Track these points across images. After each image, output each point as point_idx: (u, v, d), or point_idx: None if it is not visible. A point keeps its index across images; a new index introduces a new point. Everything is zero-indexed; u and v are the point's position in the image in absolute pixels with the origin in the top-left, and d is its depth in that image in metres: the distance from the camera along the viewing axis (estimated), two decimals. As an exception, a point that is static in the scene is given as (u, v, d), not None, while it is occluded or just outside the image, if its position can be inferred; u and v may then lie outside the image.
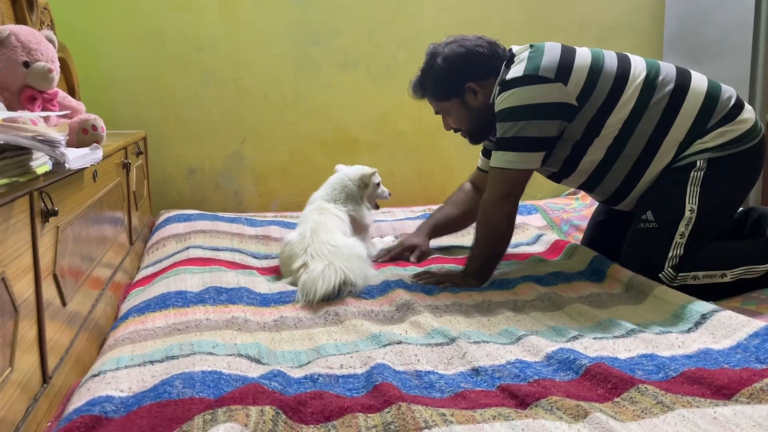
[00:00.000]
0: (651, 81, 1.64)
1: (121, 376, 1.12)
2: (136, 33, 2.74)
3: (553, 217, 2.41)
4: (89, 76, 2.59)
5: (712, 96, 1.64)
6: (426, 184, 3.00)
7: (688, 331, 1.31)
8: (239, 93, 2.82)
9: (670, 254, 1.59)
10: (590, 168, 1.71)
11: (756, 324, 1.25)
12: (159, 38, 2.75)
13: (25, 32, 1.44)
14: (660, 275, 1.58)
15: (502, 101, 1.63)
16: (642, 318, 1.40)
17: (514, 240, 2.15)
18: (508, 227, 1.72)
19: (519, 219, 2.32)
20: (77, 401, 1.04)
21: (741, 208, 1.83)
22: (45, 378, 1.07)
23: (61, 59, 1.91)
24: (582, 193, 2.71)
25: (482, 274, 1.71)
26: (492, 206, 1.68)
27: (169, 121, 2.79)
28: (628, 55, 1.72)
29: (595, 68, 1.63)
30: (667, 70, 1.67)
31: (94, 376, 1.13)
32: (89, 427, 0.95)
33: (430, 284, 1.67)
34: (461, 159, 3.00)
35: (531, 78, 1.60)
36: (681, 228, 1.59)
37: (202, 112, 2.81)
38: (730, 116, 1.63)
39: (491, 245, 1.71)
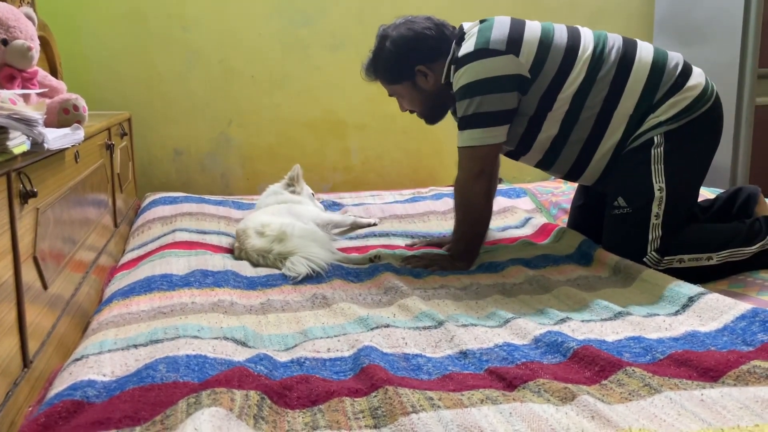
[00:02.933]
0: (598, 55, 1.63)
1: (104, 360, 1.11)
2: (119, 11, 2.68)
3: (541, 201, 2.40)
4: (71, 56, 2.54)
5: (659, 65, 1.63)
6: (415, 167, 2.98)
7: (675, 313, 1.31)
8: (225, 73, 2.78)
9: (649, 237, 1.59)
10: (545, 144, 1.71)
11: (743, 306, 1.25)
12: (142, 17, 2.70)
13: (3, 9, 1.39)
14: (644, 260, 1.58)
15: (458, 79, 1.63)
16: (629, 301, 1.40)
17: (502, 223, 2.15)
18: (486, 205, 1.71)
19: (508, 202, 2.32)
20: (59, 386, 1.02)
21: (730, 188, 1.83)
22: (26, 362, 1.05)
23: (42, 38, 1.86)
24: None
25: (468, 255, 1.71)
26: (466, 186, 1.68)
27: (154, 102, 2.75)
28: (579, 28, 1.71)
29: (545, 41, 1.63)
30: (614, 41, 1.67)
31: (77, 360, 1.11)
32: (71, 411, 0.93)
33: (419, 267, 1.66)
34: (451, 142, 2.97)
35: (482, 52, 1.59)
36: (654, 209, 1.59)
37: (188, 92, 2.77)
38: (678, 85, 1.62)
39: (472, 225, 1.71)
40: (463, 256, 1.70)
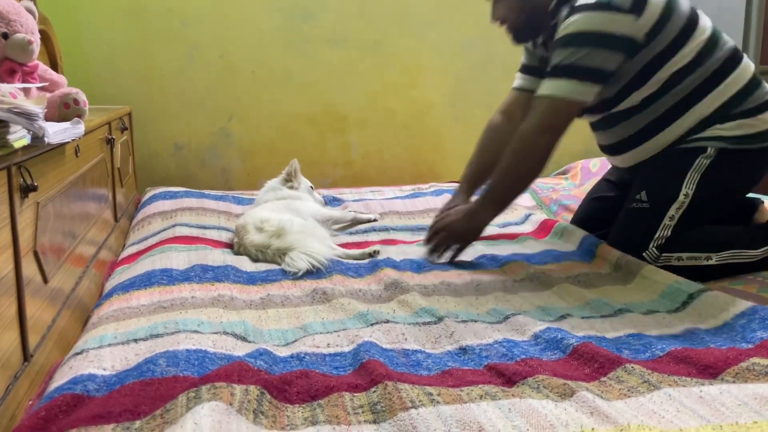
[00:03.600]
0: (714, 41, 1.57)
1: (104, 354, 1.11)
2: (119, 6, 2.67)
3: (542, 197, 2.40)
4: (72, 51, 2.53)
5: (754, 82, 1.59)
6: (415, 162, 2.98)
7: (676, 311, 1.31)
8: (226, 69, 2.78)
9: (656, 235, 1.59)
10: (620, 110, 1.65)
11: (743, 304, 1.25)
12: (143, 11, 2.69)
13: (3, 2, 1.39)
14: (644, 254, 1.58)
15: (568, 25, 1.51)
16: (630, 298, 1.40)
17: (502, 219, 2.14)
18: (543, 162, 1.57)
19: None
20: (59, 379, 1.02)
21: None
22: (26, 356, 1.05)
23: (42, 32, 1.86)
24: (572, 172, 2.70)
25: (496, 206, 1.63)
26: (533, 134, 1.55)
27: (155, 97, 2.74)
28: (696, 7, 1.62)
29: (670, 6, 1.53)
30: (728, 38, 1.60)
31: (77, 354, 1.11)
32: (71, 405, 0.93)
33: (440, 247, 1.66)
34: (451, 138, 2.99)
35: (604, 5, 1.48)
36: (671, 211, 1.58)
37: (188, 87, 2.76)
38: (756, 110, 1.57)
39: (520, 177, 1.60)
40: (490, 207, 1.62)
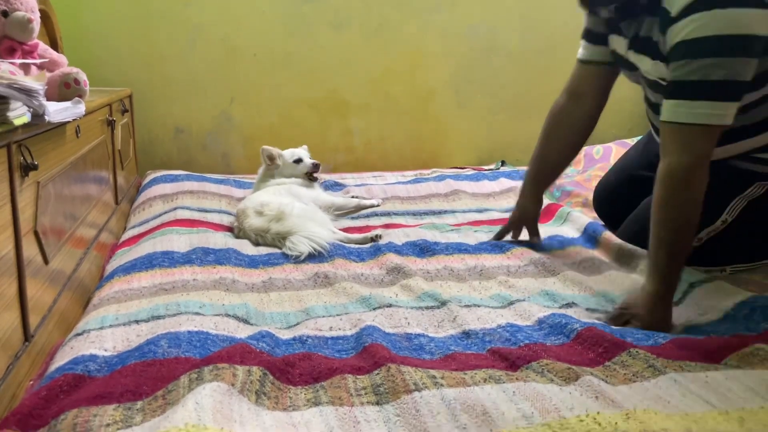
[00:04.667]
0: None
1: (105, 335, 1.10)
2: (120, -14, 2.64)
3: (545, 184, 2.38)
4: (72, 32, 2.50)
5: None
6: (417, 148, 2.96)
7: (677, 302, 1.29)
8: (227, 51, 2.75)
9: None
10: None
11: (743, 294, 1.24)
12: (144, -8, 2.66)
13: (2, -21, 1.37)
14: None
15: (701, 26, 1.16)
16: (633, 286, 1.38)
17: (506, 204, 2.13)
18: (701, 200, 1.21)
19: (510, 183, 2.31)
20: (60, 360, 1.02)
21: None
22: (27, 336, 1.04)
23: (42, 11, 1.84)
24: (575, 159, 2.68)
25: (672, 276, 1.24)
26: (690, 175, 1.20)
27: (155, 80, 2.72)
28: None
29: None
30: None
31: (78, 335, 1.11)
32: (72, 385, 0.93)
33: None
34: (454, 124, 2.96)
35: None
36: (702, 234, 1.43)
37: (189, 70, 2.73)
38: None
39: (684, 234, 1.23)
40: (665, 282, 1.22)
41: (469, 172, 2.57)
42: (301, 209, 1.78)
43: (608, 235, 1.62)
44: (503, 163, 2.78)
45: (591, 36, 1.51)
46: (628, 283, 1.40)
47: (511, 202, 2.15)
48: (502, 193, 2.23)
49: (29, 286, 1.06)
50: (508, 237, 1.71)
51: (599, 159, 2.50)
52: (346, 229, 1.85)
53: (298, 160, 2.08)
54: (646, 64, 1.33)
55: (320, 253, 1.59)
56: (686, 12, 1.17)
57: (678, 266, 1.23)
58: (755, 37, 1.16)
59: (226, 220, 1.91)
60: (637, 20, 1.33)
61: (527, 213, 1.67)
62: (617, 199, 1.71)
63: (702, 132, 1.20)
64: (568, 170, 2.52)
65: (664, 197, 1.23)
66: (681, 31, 1.18)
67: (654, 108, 1.41)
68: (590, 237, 1.68)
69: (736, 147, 1.39)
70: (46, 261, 1.17)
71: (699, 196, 1.20)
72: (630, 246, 1.54)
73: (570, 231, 1.76)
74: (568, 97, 1.57)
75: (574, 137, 1.59)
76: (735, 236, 1.45)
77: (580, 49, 1.55)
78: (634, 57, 1.38)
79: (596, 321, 1.19)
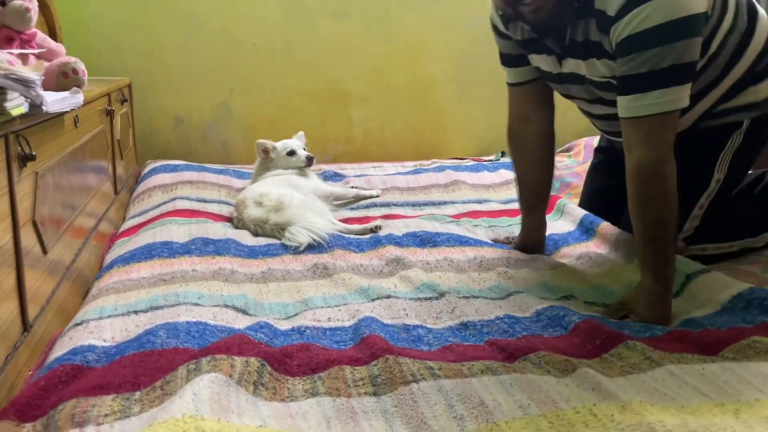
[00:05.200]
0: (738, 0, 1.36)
1: (104, 326, 1.10)
2: (119, -25, 2.63)
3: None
4: (70, 21, 2.49)
5: None
6: (418, 139, 2.95)
7: (675, 295, 1.29)
8: (227, 41, 2.74)
9: (685, 227, 1.47)
10: None
11: (740, 286, 1.23)
12: (143, -19, 2.64)
13: (-1, -32, 1.36)
14: None
15: (643, 19, 1.16)
16: (630, 278, 1.37)
17: (505, 195, 2.13)
18: (674, 190, 1.21)
19: (510, 175, 2.30)
20: (59, 350, 1.02)
21: (757, 170, 1.66)
22: (26, 326, 1.05)
23: (40, 0, 1.83)
24: (575, 150, 2.68)
25: (663, 265, 1.22)
26: (658, 168, 1.20)
27: (155, 69, 2.71)
28: None
29: None
30: None
31: (77, 325, 1.11)
32: (70, 375, 0.93)
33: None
34: (454, 115, 2.96)
35: None
36: (702, 200, 1.45)
37: (189, 60, 2.73)
38: None
39: (665, 227, 1.21)
40: (659, 274, 1.21)
41: (469, 163, 2.57)
42: (300, 200, 1.77)
43: (606, 225, 1.62)
44: (503, 155, 2.77)
45: (509, 59, 1.51)
46: (626, 274, 1.40)
47: (511, 193, 2.15)
48: (501, 185, 2.23)
49: (28, 276, 1.06)
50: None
51: (599, 150, 2.49)
52: (345, 220, 1.85)
53: (291, 153, 2.06)
54: (593, 67, 1.32)
55: (319, 244, 1.59)
56: (626, 9, 1.18)
57: (666, 260, 1.22)
58: (696, 15, 1.17)
59: (226, 210, 1.91)
60: (566, 28, 1.32)
61: (532, 241, 1.60)
62: (602, 213, 1.69)
63: (661, 121, 1.20)
64: (568, 161, 2.52)
65: (638, 194, 1.23)
66: (626, 28, 1.18)
67: (599, 117, 1.48)
68: (587, 228, 1.68)
69: (695, 111, 1.40)
70: (44, 251, 1.17)
71: (671, 187, 1.20)
72: (627, 235, 1.53)
73: (566, 225, 1.76)
74: (515, 121, 1.56)
75: (537, 156, 1.56)
76: (738, 206, 1.47)
77: (507, 75, 1.54)
78: (573, 65, 1.35)
79: (594, 314, 1.19)
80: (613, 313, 1.23)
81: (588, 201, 1.81)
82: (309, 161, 2.06)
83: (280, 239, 1.64)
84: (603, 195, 1.74)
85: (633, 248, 1.48)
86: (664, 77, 1.18)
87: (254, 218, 1.72)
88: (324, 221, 1.72)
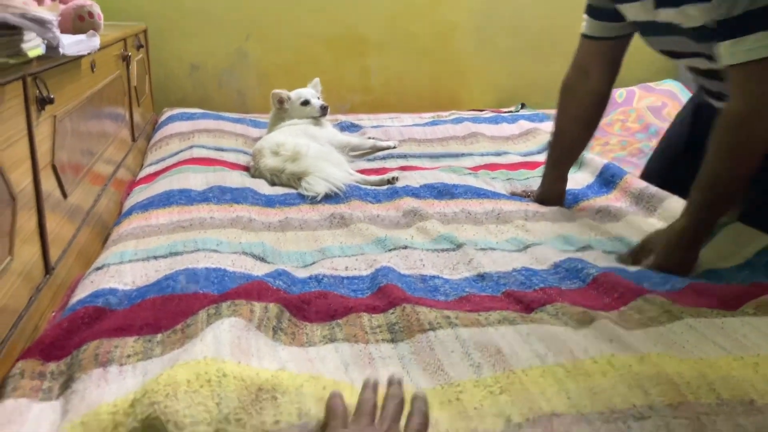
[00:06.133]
0: None
1: (124, 270, 1.12)
2: None
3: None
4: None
5: None
6: (436, 89, 2.90)
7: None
8: (243, -15, 2.68)
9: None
10: None
11: (765, 239, 1.21)
12: None
13: None
14: None
15: None
16: (651, 230, 1.36)
17: (524, 148, 2.10)
18: (763, 151, 1.12)
19: (529, 125, 2.26)
20: (81, 293, 1.04)
21: None
22: (48, 269, 1.06)
23: (52, -60, 1.78)
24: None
25: (707, 225, 1.18)
26: (754, 118, 1.10)
27: (170, 14, 2.66)
28: None
29: None
30: None
31: (98, 269, 1.12)
32: (93, 317, 0.95)
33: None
34: (474, 64, 2.89)
35: None
36: None
37: (205, 5, 2.67)
38: None
39: (735, 182, 1.14)
40: (700, 225, 1.17)
41: (488, 114, 2.52)
42: (316, 150, 1.76)
43: (629, 178, 1.58)
44: (523, 106, 2.72)
45: (595, 12, 1.42)
46: (645, 227, 1.39)
47: (530, 144, 2.11)
48: (521, 136, 2.20)
49: (49, 219, 1.07)
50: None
51: (622, 103, 2.43)
52: (362, 171, 1.83)
53: (305, 102, 2.03)
54: (688, 13, 1.18)
55: (336, 194, 1.58)
56: None
57: (717, 211, 1.17)
58: None
59: (243, 159, 1.90)
60: None
61: (551, 194, 1.56)
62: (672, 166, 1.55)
63: (761, 68, 1.08)
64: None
65: (721, 142, 1.13)
66: None
67: (704, 73, 1.30)
68: (607, 181, 1.65)
69: None
70: (64, 195, 1.18)
71: (760, 144, 1.11)
72: (653, 188, 1.51)
73: (585, 177, 1.73)
74: (576, 73, 1.49)
75: (585, 114, 1.49)
76: None
77: (584, 24, 1.45)
78: (665, 14, 1.23)
79: (613, 266, 1.18)
80: (626, 258, 1.22)
81: (663, 151, 1.66)
82: (323, 111, 2.03)
83: (296, 189, 1.64)
84: (679, 150, 1.57)
85: (656, 202, 1.47)
86: (763, 19, 1.06)
87: (271, 167, 1.71)
88: (341, 172, 1.71)
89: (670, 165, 1.59)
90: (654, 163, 1.68)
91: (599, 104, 1.49)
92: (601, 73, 1.45)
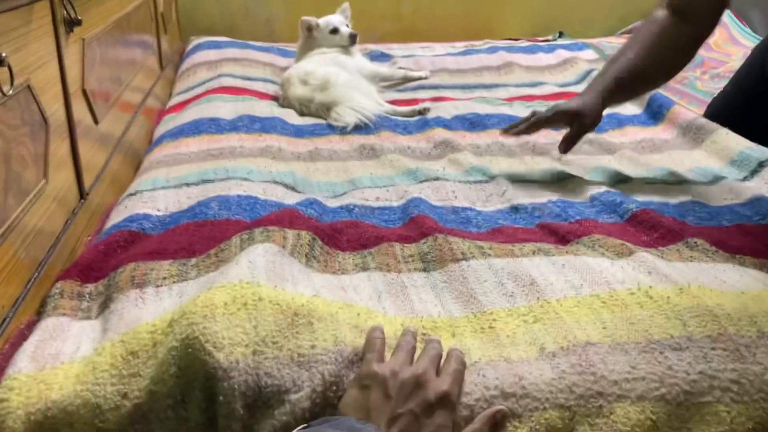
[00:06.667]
0: None
1: (157, 197, 1.12)
2: None
3: (608, 54, 2.22)
4: None
5: None
6: (470, 16, 2.79)
7: (743, 179, 1.23)
8: None
9: None
10: None
11: None
12: None
13: None
14: None
15: None
16: (696, 162, 1.32)
17: (561, 78, 2.02)
18: None
19: (568, 54, 2.18)
20: (116, 217, 1.05)
21: None
22: (82, 194, 1.07)
23: None
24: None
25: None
26: None
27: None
28: None
29: None
30: None
31: (131, 195, 1.13)
32: (128, 241, 0.96)
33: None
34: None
35: None
36: None
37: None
38: None
39: None
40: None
41: (524, 43, 2.43)
42: (346, 79, 1.72)
43: (678, 108, 1.52)
44: (561, 35, 2.61)
45: None
46: (688, 161, 1.34)
47: (567, 74, 2.04)
48: (558, 66, 2.11)
49: (81, 145, 1.07)
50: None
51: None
52: (392, 102, 1.79)
53: (334, 30, 1.95)
54: None
55: (366, 125, 1.55)
56: None
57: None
58: None
59: (271, 88, 1.87)
60: None
61: (585, 114, 1.21)
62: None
63: None
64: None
65: None
66: None
67: None
68: (654, 113, 1.58)
69: None
70: (96, 121, 1.17)
71: None
72: (703, 119, 1.44)
73: (631, 107, 1.66)
74: (671, 15, 1.19)
75: (670, 63, 1.22)
76: None
77: None
78: None
79: (653, 200, 1.14)
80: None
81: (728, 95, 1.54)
82: (352, 39, 1.96)
83: (325, 119, 1.61)
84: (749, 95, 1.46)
85: (704, 134, 1.41)
86: None
87: (299, 97, 1.68)
88: (371, 102, 1.67)
89: (738, 109, 1.47)
90: (719, 105, 1.55)
91: (689, 57, 1.23)
92: (703, 21, 1.18)
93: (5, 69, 0.74)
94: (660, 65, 1.22)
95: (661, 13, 1.21)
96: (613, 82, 1.21)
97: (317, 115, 1.65)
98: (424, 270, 0.90)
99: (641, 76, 1.22)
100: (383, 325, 0.73)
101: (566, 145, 1.25)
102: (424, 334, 0.74)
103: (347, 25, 1.99)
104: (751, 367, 0.68)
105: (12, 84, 0.76)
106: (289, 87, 1.72)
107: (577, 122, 1.22)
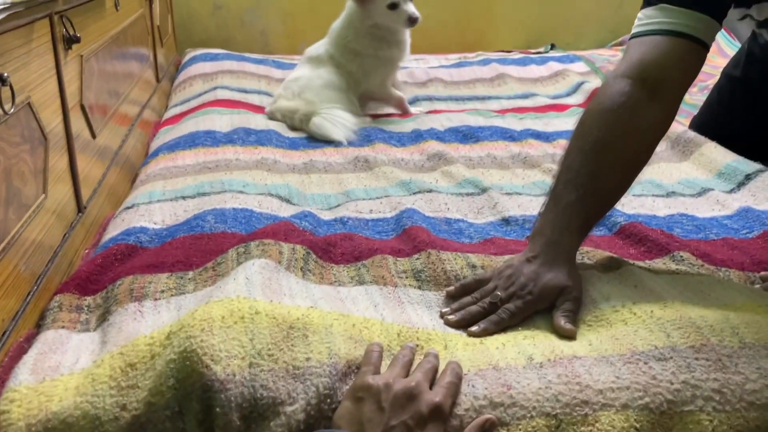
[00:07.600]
0: None
1: (154, 209, 1.14)
2: None
3: (598, 66, 2.26)
4: None
5: None
6: (463, 29, 2.82)
7: (730, 191, 1.26)
8: None
9: None
10: None
11: None
12: None
13: None
14: None
15: None
16: (685, 175, 1.35)
17: (553, 90, 2.05)
18: None
19: (559, 66, 2.20)
20: (113, 231, 1.06)
21: None
22: (80, 207, 1.08)
23: None
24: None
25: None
26: None
27: (191, -49, 2.61)
28: None
29: None
30: None
31: (128, 208, 1.15)
32: (125, 254, 0.97)
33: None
34: (502, 2, 2.80)
35: None
36: None
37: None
38: None
39: None
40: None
41: (516, 55, 2.46)
42: (327, 94, 1.72)
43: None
44: (553, 47, 2.64)
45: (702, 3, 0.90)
46: (676, 173, 1.36)
47: (559, 86, 2.07)
48: (549, 78, 2.15)
49: (79, 159, 1.08)
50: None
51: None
52: (387, 115, 1.82)
53: (393, 5, 1.55)
54: None
55: (360, 137, 1.57)
56: None
57: None
58: None
59: (266, 101, 1.89)
60: None
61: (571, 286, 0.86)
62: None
63: None
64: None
65: None
66: None
67: None
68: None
69: None
70: (93, 135, 1.19)
71: None
72: (692, 133, 1.47)
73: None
74: (638, 87, 0.89)
75: (642, 147, 0.92)
76: None
77: (663, 16, 0.91)
78: None
79: (641, 213, 1.17)
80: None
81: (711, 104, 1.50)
82: (411, 22, 1.76)
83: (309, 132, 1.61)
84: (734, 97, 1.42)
85: (693, 147, 1.43)
86: None
87: (284, 109, 1.69)
88: (352, 115, 1.68)
89: (721, 116, 1.46)
90: (704, 115, 1.53)
91: (662, 134, 0.96)
92: (678, 91, 0.93)
93: (7, 88, 0.76)
94: (623, 167, 0.91)
95: (624, 87, 0.90)
96: (578, 211, 0.89)
97: (300, 128, 1.65)
98: (419, 288, 0.91)
99: (608, 185, 0.91)
100: (380, 332, 0.74)
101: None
102: (418, 346, 0.76)
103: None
104: (733, 377, 0.70)
105: (13, 102, 0.77)
106: (277, 99, 1.74)
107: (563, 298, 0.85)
